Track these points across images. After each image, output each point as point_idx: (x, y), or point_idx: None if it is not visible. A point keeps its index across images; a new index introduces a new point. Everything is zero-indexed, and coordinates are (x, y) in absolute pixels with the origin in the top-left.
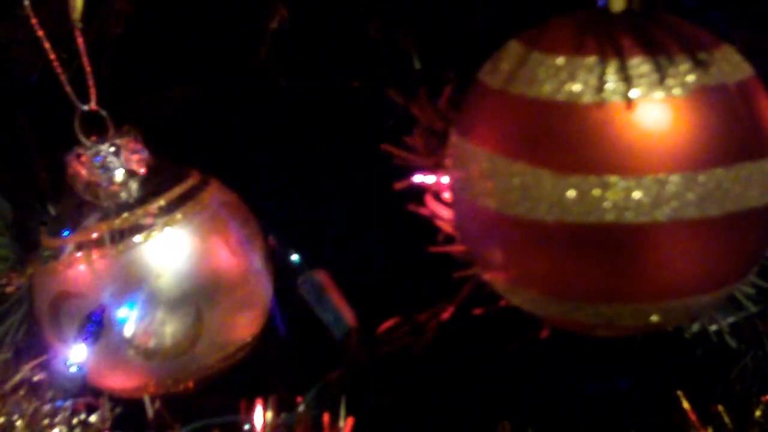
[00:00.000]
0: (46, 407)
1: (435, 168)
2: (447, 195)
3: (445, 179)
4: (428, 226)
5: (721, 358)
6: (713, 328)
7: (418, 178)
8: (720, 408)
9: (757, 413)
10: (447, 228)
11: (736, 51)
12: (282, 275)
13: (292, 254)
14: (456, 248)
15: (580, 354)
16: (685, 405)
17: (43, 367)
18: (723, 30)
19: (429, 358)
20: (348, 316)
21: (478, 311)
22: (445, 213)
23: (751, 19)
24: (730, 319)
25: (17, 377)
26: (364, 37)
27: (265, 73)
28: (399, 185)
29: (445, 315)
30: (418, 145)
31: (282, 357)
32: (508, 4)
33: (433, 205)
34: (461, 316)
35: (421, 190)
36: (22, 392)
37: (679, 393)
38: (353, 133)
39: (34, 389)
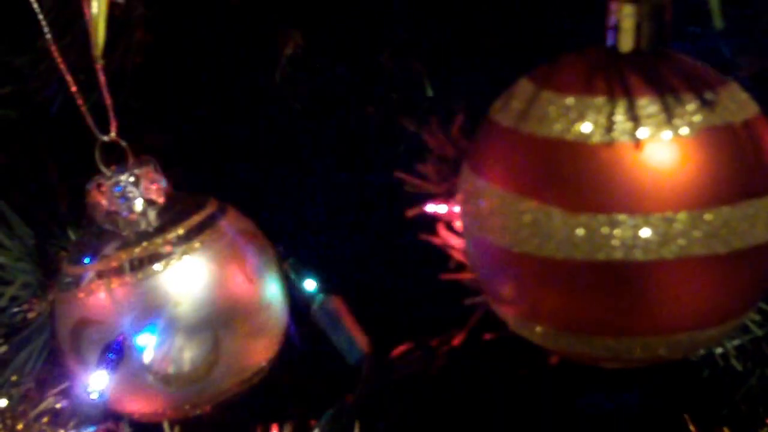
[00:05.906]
0: None
1: (446, 195)
2: (458, 224)
3: (457, 208)
4: (440, 253)
5: (727, 380)
6: (719, 350)
7: (430, 208)
8: (726, 430)
9: None
10: (458, 256)
11: (742, 89)
12: (297, 301)
13: (307, 281)
14: (467, 275)
15: (588, 376)
16: (692, 428)
17: (65, 394)
18: (729, 57)
19: (441, 383)
20: (361, 341)
21: (488, 336)
22: (457, 242)
23: (757, 45)
24: (736, 342)
25: (41, 406)
26: (376, 65)
27: (280, 100)
28: (411, 213)
29: (457, 340)
30: (430, 173)
31: (297, 381)
32: (519, 34)
33: (444, 234)
34: (473, 341)
35: (433, 218)
36: (45, 420)
37: (686, 416)
38: (366, 160)
39: (57, 416)
